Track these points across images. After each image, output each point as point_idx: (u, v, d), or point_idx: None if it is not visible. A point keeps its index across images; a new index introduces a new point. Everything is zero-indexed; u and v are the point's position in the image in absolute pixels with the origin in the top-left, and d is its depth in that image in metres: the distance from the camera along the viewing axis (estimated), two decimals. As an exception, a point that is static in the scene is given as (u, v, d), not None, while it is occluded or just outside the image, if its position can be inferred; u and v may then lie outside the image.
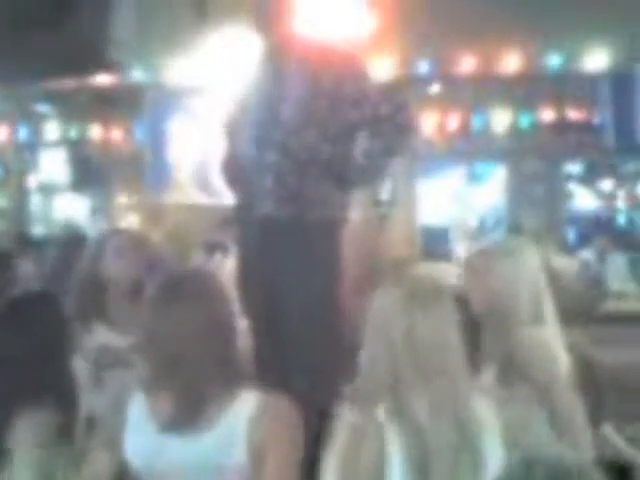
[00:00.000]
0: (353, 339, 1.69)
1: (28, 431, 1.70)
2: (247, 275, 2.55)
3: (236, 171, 2.64)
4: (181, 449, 1.57)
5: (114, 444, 1.66)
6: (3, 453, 1.72)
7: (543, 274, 2.07)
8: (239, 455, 1.56)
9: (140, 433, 1.63)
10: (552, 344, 1.98)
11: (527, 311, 2.00)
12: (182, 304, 1.63)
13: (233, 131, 2.70)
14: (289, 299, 2.41)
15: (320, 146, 2.45)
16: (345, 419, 1.48)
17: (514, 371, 1.94)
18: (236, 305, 2.37)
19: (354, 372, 1.57)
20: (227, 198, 2.86)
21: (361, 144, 2.49)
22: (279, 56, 2.56)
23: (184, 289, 1.67)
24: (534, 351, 1.94)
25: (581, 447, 1.89)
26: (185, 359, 1.58)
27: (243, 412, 1.57)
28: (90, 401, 2.13)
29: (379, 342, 1.48)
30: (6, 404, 1.79)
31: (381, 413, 1.44)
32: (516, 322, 1.98)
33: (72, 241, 4.08)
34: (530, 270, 2.05)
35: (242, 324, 2.51)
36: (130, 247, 2.71)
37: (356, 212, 2.70)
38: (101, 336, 2.52)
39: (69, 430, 1.87)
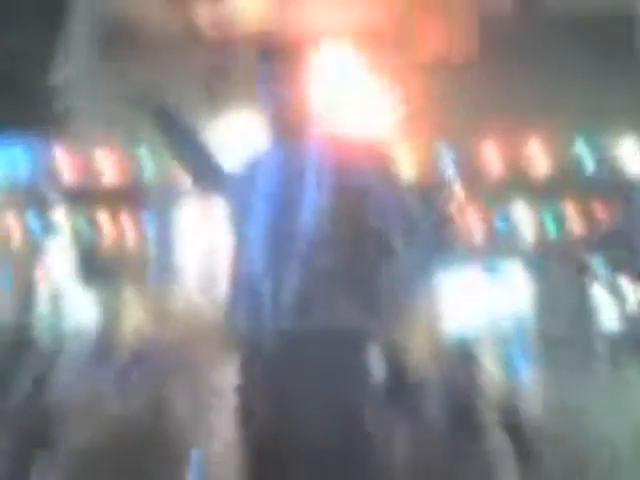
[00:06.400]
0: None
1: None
2: (254, 394, 2.24)
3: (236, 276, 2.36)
4: None
5: None
6: None
7: None
8: None
9: None
10: None
11: None
12: None
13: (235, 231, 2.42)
14: (308, 415, 2.13)
15: (346, 260, 2.18)
16: None
17: None
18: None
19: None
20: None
21: (391, 258, 2.22)
22: (299, 158, 2.29)
23: None
24: None
25: None
26: None
27: None
28: None
29: None
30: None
31: None
32: None
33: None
34: None
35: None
36: None
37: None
38: None
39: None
